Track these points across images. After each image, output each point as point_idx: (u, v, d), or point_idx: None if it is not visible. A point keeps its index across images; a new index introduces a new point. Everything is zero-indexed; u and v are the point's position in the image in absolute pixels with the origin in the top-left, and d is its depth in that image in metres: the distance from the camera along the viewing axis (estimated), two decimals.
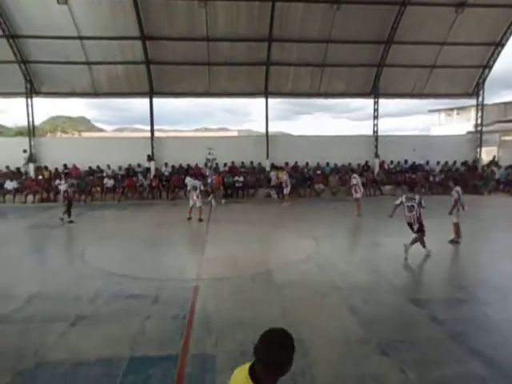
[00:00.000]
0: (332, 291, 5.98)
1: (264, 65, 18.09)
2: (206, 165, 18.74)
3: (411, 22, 16.99)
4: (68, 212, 11.67)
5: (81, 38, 16.71)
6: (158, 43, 17.21)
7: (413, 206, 7.89)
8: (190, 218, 11.65)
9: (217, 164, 18.77)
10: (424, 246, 7.83)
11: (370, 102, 19.91)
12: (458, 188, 8.79)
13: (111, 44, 17.07)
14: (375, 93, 19.44)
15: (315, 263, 7.51)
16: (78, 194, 17.16)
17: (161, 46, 17.31)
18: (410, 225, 7.97)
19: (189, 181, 12.14)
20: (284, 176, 15.69)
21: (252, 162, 19.13)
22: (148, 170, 18.58)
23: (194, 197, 11.48)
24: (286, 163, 18.70)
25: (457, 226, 8.68)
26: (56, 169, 18.01)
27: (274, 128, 28.95)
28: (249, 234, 10.42)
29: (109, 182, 17.44)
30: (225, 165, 18.81)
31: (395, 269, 7.11)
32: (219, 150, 18.89)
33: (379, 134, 19.89)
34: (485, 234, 10.68)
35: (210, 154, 18.89)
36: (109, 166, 18.25)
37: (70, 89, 18.43)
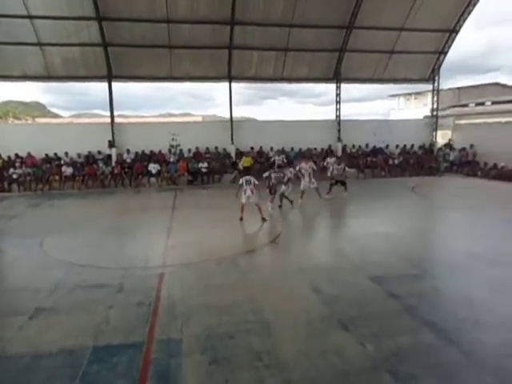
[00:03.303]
0: (296, 273, 6.15)
1: (227, 48, 17.81)
2: (169, 151, 18.44)
3: (371, 7, 17.22)
4: None
5: (30, 17, 15.67)
6: (115, 24, 16.43)
7: (342, 168, 12.63)
8: (242, 219, 9.96)
9: (181, 150, 18.50)
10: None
11: (333, 86, 20.18)
12: (291, 169, 12.03)
13: (65, 24, 16.10)
14: (337, 78, 19.70)
15: (280, 246, 7.67)
16: (34, 183, 16.46)
17: (118, 27, 16.54)
18: (339, 181, 12.58)
19: (244, 178, 10.26)
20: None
21: (217, 148, 18.98)
22: (109, 157, 17.98)
23: (248, 191, 10.00)
24: (252, 148, 18.78)
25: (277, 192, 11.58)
26: (9, 157, 17.06)
27: (239, 113, 28.80)
28: (214, 220, 10.43)
29: (67, 170, 16.76)
30: (189, 151, 18.55)
31: (357, 249, 7.39)
32: (183, 135, 18.60)
33: (342, 118, 20.27)
34: (437, 213, 11.29)
35: (173, 139, 18.57)
36: (67, 154, 17.49)
37: (21, 72, 17.31)
